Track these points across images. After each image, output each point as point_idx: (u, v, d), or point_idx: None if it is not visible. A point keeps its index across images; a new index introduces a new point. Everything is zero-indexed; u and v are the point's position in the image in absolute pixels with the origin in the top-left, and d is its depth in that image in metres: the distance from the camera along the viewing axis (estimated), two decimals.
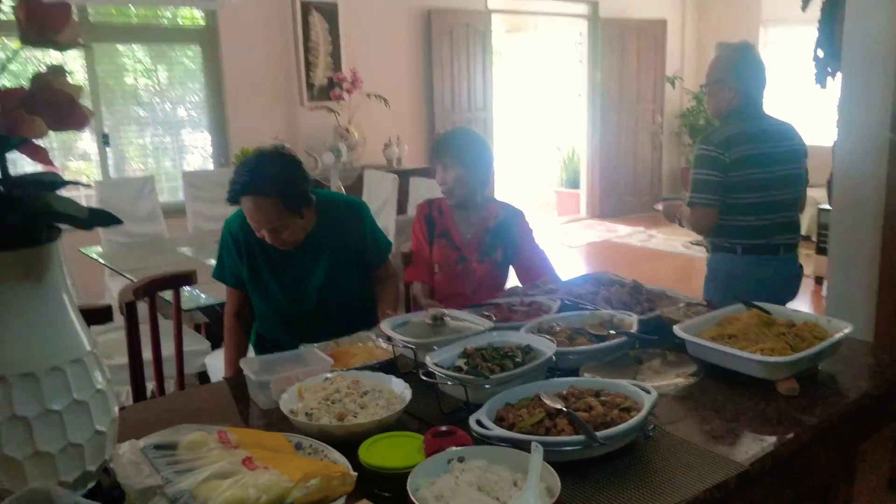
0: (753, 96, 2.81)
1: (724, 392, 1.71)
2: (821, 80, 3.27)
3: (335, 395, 1.52)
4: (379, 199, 4.69)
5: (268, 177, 2.06)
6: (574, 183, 9.43)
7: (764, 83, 2.85)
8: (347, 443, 1.41)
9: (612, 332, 1.90)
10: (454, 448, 1.31)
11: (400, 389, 1.59)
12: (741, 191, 2.71)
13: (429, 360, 1.62)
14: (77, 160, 5.80)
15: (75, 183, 1.32)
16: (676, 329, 1.87)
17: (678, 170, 9.64)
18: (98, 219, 1.23)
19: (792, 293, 2.85)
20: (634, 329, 1.91)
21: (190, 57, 6.04)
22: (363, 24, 6.61)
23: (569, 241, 7.80)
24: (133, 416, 1.67)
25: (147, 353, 2.49)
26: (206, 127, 6.13)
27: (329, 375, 1.62)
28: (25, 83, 1.14)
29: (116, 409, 1.25)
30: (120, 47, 5.70)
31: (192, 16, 5.99)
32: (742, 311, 2.02)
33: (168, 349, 2.81)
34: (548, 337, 1.75)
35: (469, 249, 2.63)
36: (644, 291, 2.28)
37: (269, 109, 6.19)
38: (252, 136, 5.91)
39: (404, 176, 5.00)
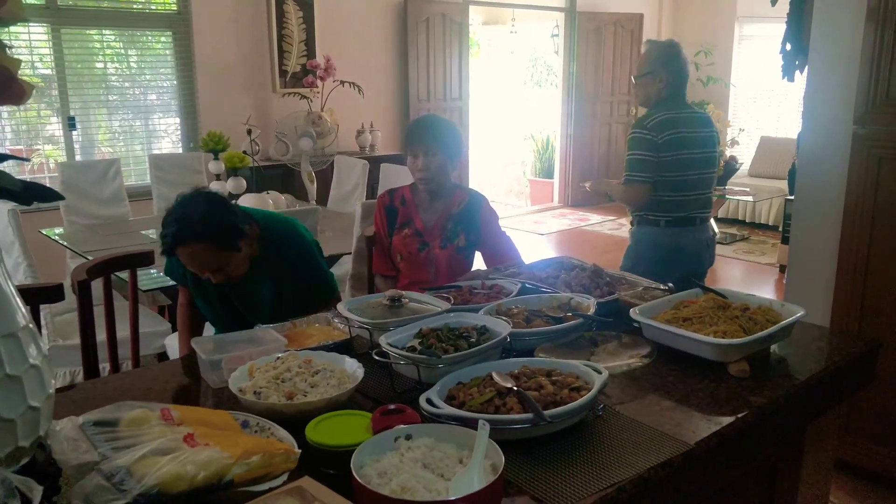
0: (679, 87, 3.14)
1: (676, 374, 1.72)
2: (788, 73, 3.29)
3: (286, 375, 1.51)
4: (349, 184, 4.66)
5: (195, 223, 1.98)
6: (548, 172, 9.46)
7: (687, 77, 3.20)
8: (297, 421, 1.40)
9: (570, 314, 1.91)
10: (401, 426, 1.30)
11: (353, 369, 1.58)
12: (668, 170, 3.02)
13: (383, 340, 1.61)
14: (44, 144, 5.71)
15: (19, 159, 1.30)
16: (632, 312, 1.89)
17: None
18: (35, 193, 1.20)
19: (710, 258, 3.26)
20: (592, 312, 1.92)
21: (162, 42, 5.95)
22: (338, 11, 6.56)
23: (539, 228, 7.82)
24: (80, 394, 1.65)
25: (103, 334, 2.47)
26: (176, 112, 6.06)
27: (281, 355, 1.61)
28: None
29: (53, 384, 1.23)
30: (90, 32, 5.60)
31: (165, 0, 5.90)
32: (698, 294, 2.04)
33: (127, 330, 2.79)
34: (504, 318, 1.75)
35: (431, 236, 2.62)
36: (604, 276, 2.29)
37: (240, 95, 6.13)
38: (222, 121, 5.86)
39: (376, 162, 4.99)
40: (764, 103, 9.28)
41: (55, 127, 5.54)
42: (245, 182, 4.04)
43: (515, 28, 9.43)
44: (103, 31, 5.68)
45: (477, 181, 10.06)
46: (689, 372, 1.72)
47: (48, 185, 4.58)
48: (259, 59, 6.22)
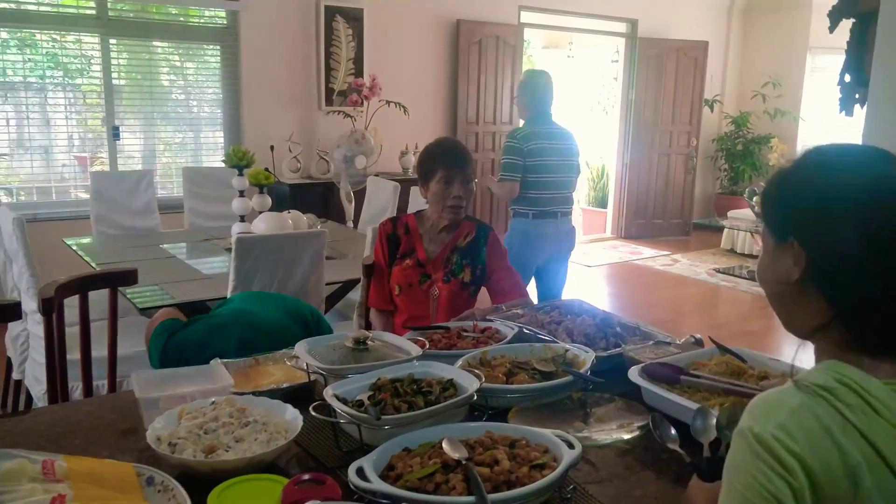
0: (542, 108, 3.93)
1: (672, 450, 1.47)
2: (846, 107, 3.00)
3: (211, 424, 1.34)
4: (378, 206, 4.52)
5: None
6: (602, 202, 9.15)
7: (548, 99, 3.95)
8: (214, 480, 1.22)
9: (561, 370, 1.69)
10: (313, 502, 1.11)
11: (292, 423, 1.39)
12: (533, 172, 3.79)
13: (329, 391, 1.42)
14: (90, 152, 5.76)
15: None
16: (631, 372, 1.65)
17: (712, 194, 9.30)
18: None
19: (569, 245, 4.15)
20: (586, 368, 1.69)
21: (209, 56, 5.96)
22: (389, 31, 6.47)
23: (587, 260, 7.53)
24: (5, 426, 1.51)
25: (98, 351, 2.36)
26: (220, 126, 6.04)
27: (216, 399, 1.43)
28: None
29: None
30: (138, 43, 5.64)
31: (214, 15, 5.91)
32: (714, 354, 1.79)
33: (126, 348, 2.68)
34: (475, 371, 1.54)
35: (434, 268, 2.43)
36: (614, 325, 2.06)
37: (284, 111, 6.08)
38: (266, 137, 5.82)
39: (415, 184, 4.82)
40: (836, 139, 8.78)
41: (103, 136, 5.58)
42: (270, 199, 3.93)
43: (573, 53, 9.20)
44: (151, 43, 5.71)
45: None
46: (689, 448, 1.47)
47: (72, 196, 4.53)
48: (306, 75, 6.17)
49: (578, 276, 7.01)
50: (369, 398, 1.42)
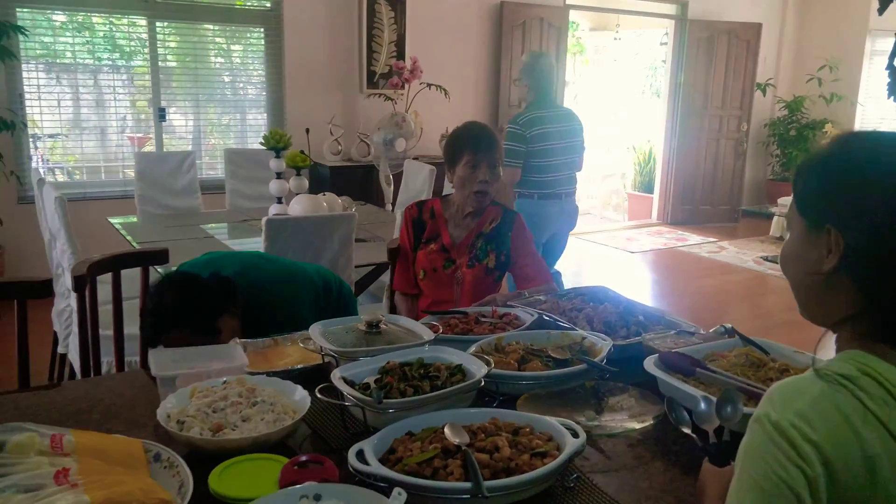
0: (544, 91, 4.02)
1: (684, 442, 1.45)
2: (894, 91, 2.88)
3: (220, 403, 1.36)
4: (414, 189, 4.52)
5: (170, 313, 1.83)
6: (648, 187, 9.00)
7: (550, 82, 4.03)
8: (220, 458, 1.25)
9: (576, 357, 1.67)
10: (310, 483, 1.12)
11: (300, 404, 1.41)
12: (537, 157, 3.90)
13: (337, 373, 1.43)
14: (137, 133, 5.89)
15: None
16: (647, 362, 1.62)
17: (763, 181, 9.06)
18: None
19: (571, 223, 4.21)
20: (602, 356, 1.67)
21: (253, 38, 6.02)
22: (431, 13, 6.44)
23: (631, 246, 7.42)
24: (28, 401, 1.56)
25: (132, 328, 2.41)
26: (264, 108, 6.11)
27: (228, 379, 1.46)
28: None
29: None
30: (185, 26, 5.73)
31: None
32: (736, 346, 1.75)
33: None
34: (485, 358, 1.53)
35: (458, 253, 2.42)
36: (637, 314, 2.02)
37: (326, 94, 6.11)
38: (308, 119, 5.85)
39: None
40: (894, 125, 8.46)
41: (150, 117, 5.70)
42: (306, 182, 3.96)
43: (620, 35, 9.03)
44: (198, 26, 5.79)
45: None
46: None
47: (121, 175, 4.66)
48: (348, 58, 6.19)
49: (621, 262, 6.93)
50: (376, 381, 1.42)
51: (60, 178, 5.67)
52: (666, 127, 8.45)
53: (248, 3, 5.97)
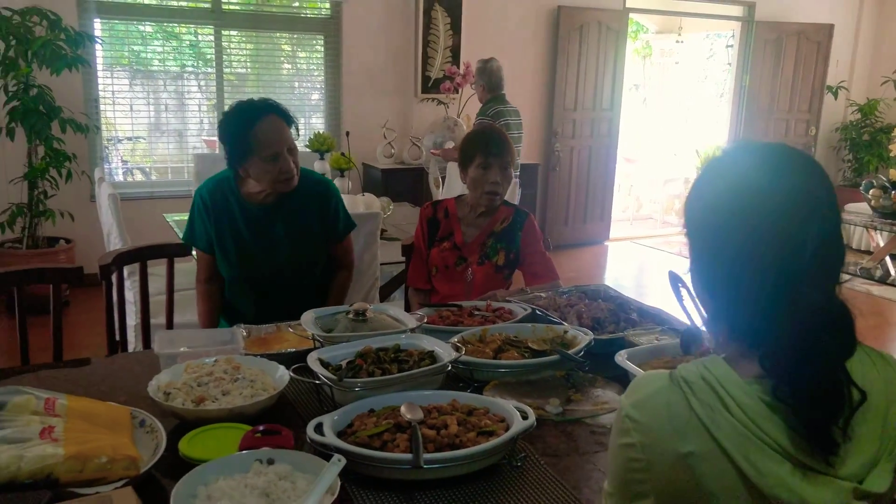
0: (496, 89, 4.96)
1: None
2: None
3: (205, 378, 1.50)
4: (454, 191, 4.62)
5: (280, 106, 2.24)
6: None
7: (502, 80, 5.03)
8: (203, 426, 1.38)
9: (553, 349, 1.74)
10: (264, 448, 1.24)
11: (280, 382, 1.53)
12: None
13: (314, 354, 1.55)
14: (207, 136, 6.22)
15: None
16: (618, 356, 1.68)
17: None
18: None
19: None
20: (579, 348, 1.73)
21: (314, 46, 6.26)
22: (487, 18, 6.53)
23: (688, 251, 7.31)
24: (48, 374, 1.74)
25: (159, 319, 2.61)
26: (322, 112, 6.34)
27: (217, 358, 1.60)
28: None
29: None
30: (249, 34, 6.01)
31: (318, 6, 6.19)
32: None
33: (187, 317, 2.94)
34: (457, 345, 1.62)
35: (470, 251, 2.51)
36: (631, 311, 2.07)
37: (381, 99, 6.28)
38: (363, 123, 6.04)
39: None
40: None
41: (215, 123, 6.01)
42: (348, 182, 4.12)
43: (682, 38, 8.91)
44: (262, 34, 6.06)
45: (635, 196, 9.65)
46: None
47: (185, 175, 4.92)
48: (404, 63, 6.34)
49: (673, 267, 6.83)
50: (347, 363, 1.53)
51: (139, 178, 6.05)
52: (730, 130, 8.29)
53: (309, 12, 6.20)
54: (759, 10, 7.95)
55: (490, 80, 4.92)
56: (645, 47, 10.63)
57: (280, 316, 2.04)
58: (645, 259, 7.20)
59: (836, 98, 8.41)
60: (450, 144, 5.72)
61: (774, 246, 0.88)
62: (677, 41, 9.02)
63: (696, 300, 1.03)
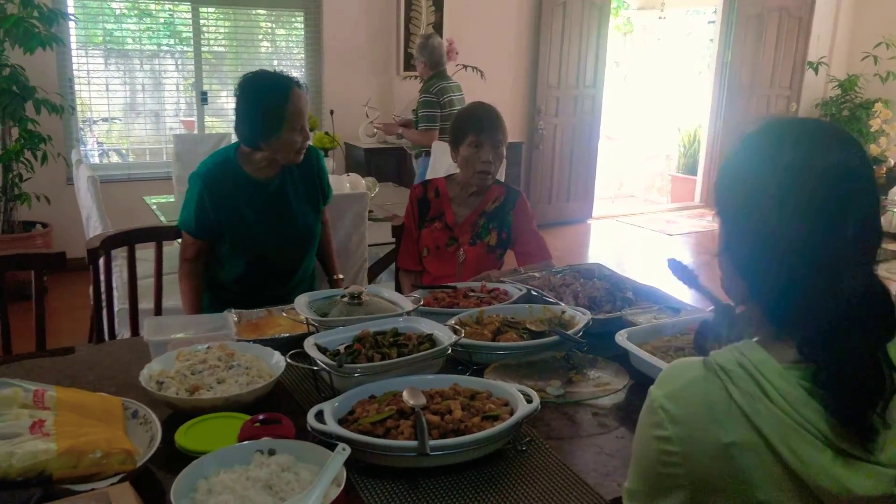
0: (438, 65, 4.92)
1: None
2: None
3: (199, 366, 1.45)
4: (441, 171, 4.56)
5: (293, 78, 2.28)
6: (692, 169, 8.86)
7: (441, 58, 4.96)
8: (197, 417, 1.34)
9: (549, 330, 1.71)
10: (265, 439, 1.20)
11: (275, 368, 1.49)
12: (447, 120, 4.43)
13: (310, 340, 1.51)
14: (184, 116, 6.10)
15: None
16: (619, 336, 1.66)
17: None
18: None
19: None
20: (578, 328, 1.71)
21: (294, 23, 6.14)
22: None
23: (670, 228, 7.34)
24: (33, 363, 1.68)
25: (146, 304, 2.55)
26: (304, 91, 6.22)
27: (210, 345, 1.55)
28: None
29: None
30: (228, 11, 5.88)
31: None
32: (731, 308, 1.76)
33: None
34: (456, 328, 1.59)
35: (461, 231, 2.47)
36: (626, 289, 2.05)
37: (364, 77, 6.19)
38: (345, 102, 5.95)
39: None
40: None
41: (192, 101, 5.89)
42: (332, 162, 4.06)
43: (665, 14, 8.87)
44: (242, 11, 5.93)
45: (616, 174, 9.64)
46: None
47: (164, 157, 4.84)
48: (386, 41, 6.25)
49: (656, 244, 6.86)
50: (346, 348, 1.50)
51: (115, 160, 5.93)
52: (711, 107, 8.28)
53: None
54: None
55: (431, 57, 4.87)
56: (626, 24, 10.57)
57: (265, 295, 2.07)
58: (629, 237, 7.21)
59: (816, 74, 8.43)
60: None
61: (814, 226, 0.85)
62: (660, 17, 8.97)
63: (725, 281, 1.00)
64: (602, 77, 7.32)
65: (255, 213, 2.26)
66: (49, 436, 1.14)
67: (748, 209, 0.92)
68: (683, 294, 2.14)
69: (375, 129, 5.58)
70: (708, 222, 7.67)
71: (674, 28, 9.99)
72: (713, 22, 8.43)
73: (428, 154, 4.80)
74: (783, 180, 0.88)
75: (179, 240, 2.75)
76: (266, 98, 2.17)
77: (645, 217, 7.95)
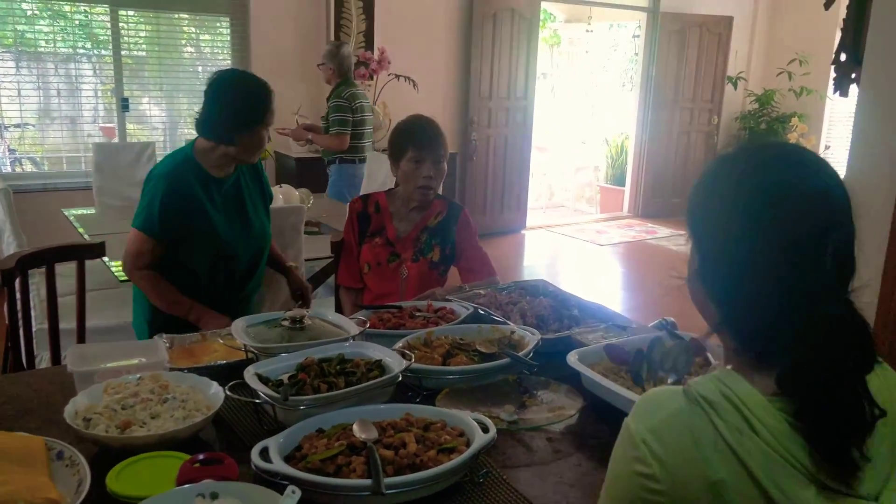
0: (348, 71, 4.96)
1: (601, 436, 1.46)
2: (841, 87, 2.90)
3: (129, 400, 1.35)
4: (376, 182, 4.50)
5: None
6: (620, 180, 9.03)
7: (350, 66, 5.00)
8: (128, 456, 1.24)
9: (501, 352, 1.67)
10: (206, 481, 1.11)
11: (214, 400, 1.39)
12: (358, 125, 4.86)
13: (250, 369, 1.42)
14: (103, 123, 5.83)
15: None
16: (570, 356, 1.63)
17: None
18: None
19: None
20: (528, 350, 1.67)
21: (219, 28, 5.97)
22: (400, 3, 6.40)
23: (600, 239, 7.45)
24: None
25: (67, 323, 2.39)
26: None
27: (143, 375, 1.44)
28: None
29: None
30: (149, 14, 5.66)
31: None
32: (666, 340, 1.75)
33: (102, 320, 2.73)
34: (406, 353, 1.53)
35: (403, 247, 2.41)
36: (572, 307, 2.03)
37: (294, 84, 6.05)
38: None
39: None
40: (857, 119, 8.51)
41: (112, 108, 5.63)
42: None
43: (592, 27, 9.05)
44: (162, 15, 5.72)
45: (547, 185, 9.75)
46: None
47: (82, 166, 4.60)
48: (315, 48, 6.12)
49: (588, 254, 6.95)
50: (290, 378, 1.41)
51: (29, 168, 5.62)
52: (637, 120, 8.48)
53: None
54: (663, 2, 8.15)
55: (341, 65, 4.93)
56: (553, 36, 10.72)
57: (225, 299, 2.23)
58: (561, 247, 7.28)
59: (735, 88, 8.73)
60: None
61: (793, 253, 0.82)
62: (587, 30, 9.13)
63: (696, 305, 0.97)
64: (533, 88, 7.40)
65: (217, 211, 2.25)
66: None
67: (722, 234, 0.89)
68: (656, 310, 2.14)
69: (280, 134, 5.29)
70: (636, 232, 7.82)
71: (600, 41, 10.19)
72: (637, 36, 8.63)
73: (341, 161, 4.90)
74: (761, 206, 0.85)
75: (105, 258, 2.61)
76: (251, 91, 2.23)
77: (575, 227, 8.06)
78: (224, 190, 2.28)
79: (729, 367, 0.90)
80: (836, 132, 8.71)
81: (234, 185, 2.32)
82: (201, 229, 2.20)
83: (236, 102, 2.20)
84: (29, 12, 5.33)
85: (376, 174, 4.61)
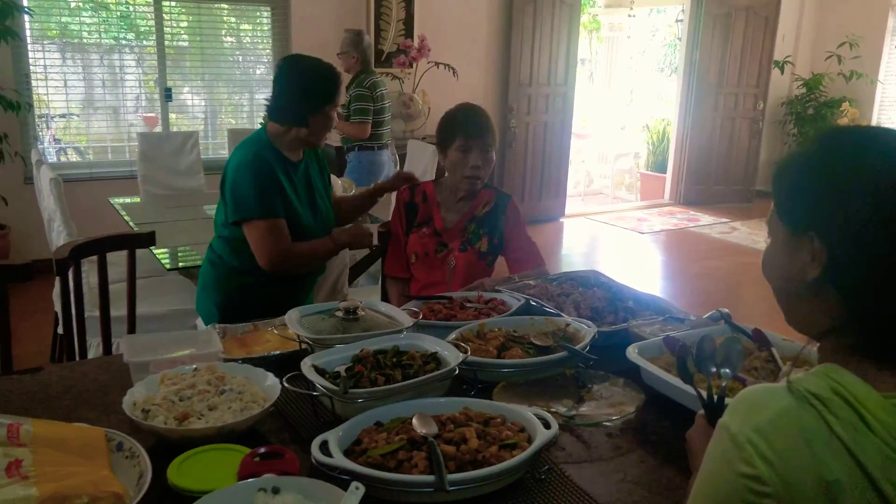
0: (368, 61, 5.02)
1: (663, 432, 1.42)
2: None
3: (187, 392, 1.34)
4: (417, 170, 4.47)
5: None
6: (661, 166, 8.88)
7: (372, 53, 5.25)
8: (186, 448, 1.23)
9: (556, 344, 1.63)
10: (268, 475, 1.10)
11: (270, 392, 1.38)
12: (379, 114, 4.87)
13: (307, 361, 1.41)
14: (149, 112, 5.89)
15: None
16: (630, 350, 1.58)
17: None
18: None
19: (398, 165, 5.15)
20: (585, 343, 1.63)
21: (261, 18, 5.98)
22: None
23: (642, 227, 7.34)
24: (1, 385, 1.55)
25: (117, 311, 2.41)
26: (269, 88, 6.07)
27: (199, 366, 1.44)
28: None
29: None
30: (192, 6, 5.69)
31: None
32: (725, 333, 1.70)
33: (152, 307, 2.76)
34: (462, 345, 1.50)
35: (451, 237, 2.38)
36: (627, 299, 1.98)
37: None
38: None
39: None
40: None
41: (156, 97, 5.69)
42: None
43: (634, 12, 8.88)
44: (205, 5, 5.75)
45: (585, 172, 9.64)
46: (680, 432, 1.40)
47: (126, 155, 4.65)
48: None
49: (631, 243, 6.85)
50: (346, 370, 1.40)
51: (74, 157, 5.71)
52: (680, 106, 8.32)
53: None
54: None
55: (365, 54, 4.96)
56: (592, 21, 10.57)
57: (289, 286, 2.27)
58: (601, 235, 7.20)
59: (782, 73, 8.51)
60: (398, 123, 5.58)
61: None
62: (629, 15, 8.97)
63: (803, 308, 0.92)
64: (573, 75, 7.29)
65: (296, 194, 2.28)
66: (28, 479, 1.02)
67: (854, 224, 0.82)
68: (699, 300, 2.09)
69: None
70: (678, 220, 7.69)
71: (641, 26, 10.02)
72: (681, 21, 8.46)
73: (361, 148, 4.89)
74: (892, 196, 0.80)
75: (156, 250, 2.63)
76: (321, 73, 2.29)
77: (615, 215, 7.95)
78: (298, 173, 2.30)
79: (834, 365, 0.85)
80: (886, 117, 8.45)
81: (306, 171, 2.34)
82: (287, 210, 2.22)
83: (307, 84, 2.25)
84: (73, 4, 5.40)
85: (416, 163, 4.58)
